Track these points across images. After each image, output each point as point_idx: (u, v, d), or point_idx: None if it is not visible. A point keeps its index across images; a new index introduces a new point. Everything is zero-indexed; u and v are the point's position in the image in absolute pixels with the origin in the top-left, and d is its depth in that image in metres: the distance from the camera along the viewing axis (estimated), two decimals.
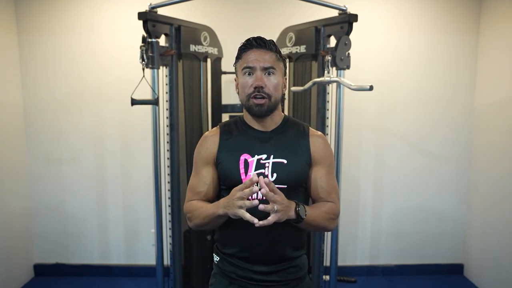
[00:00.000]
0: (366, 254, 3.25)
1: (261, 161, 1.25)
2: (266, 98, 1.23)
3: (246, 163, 1.25)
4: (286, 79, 1.34)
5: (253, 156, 1.26)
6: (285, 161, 1.26)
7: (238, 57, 1.29)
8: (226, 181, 1.29)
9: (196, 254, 2.59)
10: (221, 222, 1.23)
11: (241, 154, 1.27)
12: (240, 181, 1.23)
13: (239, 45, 1.29)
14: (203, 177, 1.31)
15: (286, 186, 1.24)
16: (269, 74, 1.24)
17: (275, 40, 2.65)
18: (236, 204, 1.09)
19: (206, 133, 1.38)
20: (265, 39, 1.27)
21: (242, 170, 1.25)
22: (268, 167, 1.25)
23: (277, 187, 1.23)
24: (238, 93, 1.30)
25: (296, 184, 1.29)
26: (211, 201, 1.31)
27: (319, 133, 1.37)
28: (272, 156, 1.26)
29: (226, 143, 1.31)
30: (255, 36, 1.27)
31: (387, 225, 3.21)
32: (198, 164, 1.33)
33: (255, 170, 1.24)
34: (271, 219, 1.08)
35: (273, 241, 1.27)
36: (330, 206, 1.28)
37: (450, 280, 3.16)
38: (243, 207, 1.08)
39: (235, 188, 1.12)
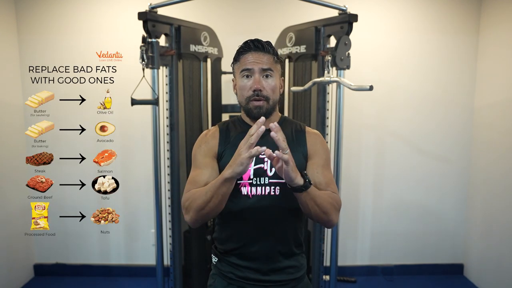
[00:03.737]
0: (366, 254, 3.25)
1: (260, 156, 1.23)
2: (264, 100, 1.27)
3: None
4: (283, 80, 1.37)
5: None
6: None
7: (236, 59, 1.32)
8: None
9: (196, 254, 2.59)
10: (226, 195, 1.15)
11: None
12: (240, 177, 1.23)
13: (237, 48, 1.31)
14: (205, 169, 1.28)
15: (284, 180, 1.23)
16: (267, 76, 1.27)
17: (275, 40, 2.68)
18: (241, 153, 1.07)
19: (205, 131, 1.41)
20: (262, 41, 1.29)
21: None
22: (267, 161, 1.26)
23: (275, 182, 1.24)
24: (236, 94, 1.33)
25: None
26: None
27: (316, 131, 1.39)
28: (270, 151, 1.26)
29: (226, 139, 1.32)
30: (253, 38, 1.29)
31: (387, 225, 3.21)
32: (199, 158, 1.32)
33: (254, 165, 1.25)
34: (285, 155, 1.06)
35: (271, 237, 1.27)
36: (332, 194, 1.25)
37: (450, 280, 3.16)
38: (251, 154, 1.06)
39: (240, 143, 1.10)
